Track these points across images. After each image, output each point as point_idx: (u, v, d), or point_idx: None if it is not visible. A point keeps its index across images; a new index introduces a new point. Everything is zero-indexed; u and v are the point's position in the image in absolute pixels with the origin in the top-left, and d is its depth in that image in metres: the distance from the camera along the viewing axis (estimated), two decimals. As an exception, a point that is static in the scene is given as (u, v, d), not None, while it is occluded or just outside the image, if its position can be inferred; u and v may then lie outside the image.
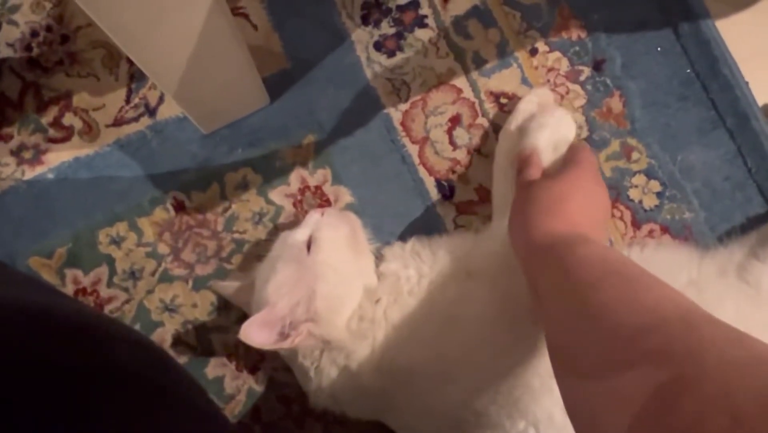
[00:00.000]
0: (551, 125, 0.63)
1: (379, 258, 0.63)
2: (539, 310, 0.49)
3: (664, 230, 0.69)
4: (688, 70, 0.71)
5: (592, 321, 0.39)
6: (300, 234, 0.60)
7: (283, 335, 0.55)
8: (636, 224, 0.69)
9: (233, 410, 0.68)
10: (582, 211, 0.52)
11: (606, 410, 0.35)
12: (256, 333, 0.53)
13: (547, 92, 0.68)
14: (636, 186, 0.69)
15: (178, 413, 0.43)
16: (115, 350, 0.44)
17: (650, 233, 0.69)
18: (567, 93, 0.71)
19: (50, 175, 0.71)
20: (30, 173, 0.71)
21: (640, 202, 0.69)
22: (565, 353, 0.42)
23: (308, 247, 0.59)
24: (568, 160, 0.59)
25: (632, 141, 0.70)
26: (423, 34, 0.72)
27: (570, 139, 0.64)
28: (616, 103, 0.70)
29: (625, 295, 0.39)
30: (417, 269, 0.60)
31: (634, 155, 0.70)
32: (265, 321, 0.54)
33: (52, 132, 0.72)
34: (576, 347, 0.40)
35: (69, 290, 0.69)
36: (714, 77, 0.70)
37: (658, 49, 0.71)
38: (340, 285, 0.58)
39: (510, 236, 0.56)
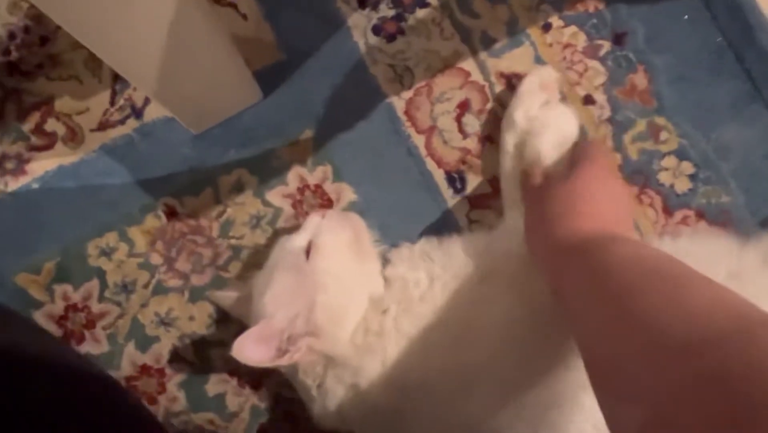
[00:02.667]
0: (552, 123, 0.59)
1: (385, 262, 0.58)
2: (568, 322, 0.44)
3: (700, 215, 0.64)
4: (719, 39, 0.65)
5: (633, 332, 0.35)
6: (298, 240, 0.56)
7: (281, 351, 0.50)
8: (668, 211, 0.64)
9: (237, 429, 0.64)
10: (606, 208, 0.48)
11: None
12: (250, 349, 0.49)
13: (550, 71, 0.63)
14: (666, 169, 0.64)
15: None
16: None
17: (684, 219, 0.64)
18: (585, 71, 0.65)
19: (35, 186, 0.67)
20: (13, 185, 0.67)
21: (672, 186, 0.64)
22: (603, 370, 0.37)
23: (308, 253, 0.55)
24: (577, 158, 0.55)
25: (660, 120, 0.65)
26: (425, 15, 0.67)
27: (574, 136, 0.59)
28: (640, 80, 0.65)
29: (669, 299, 0.34)
30: (427, 272, 0.55)
31: (663, 135, 0.64)
32: (261, 336, 0.50)
33: (34, 140, 0.68)
34: (615, 364, 0.36)
35: (59, 306, 0.66)
36: (749, 46, 0.65)
37: (685, 17, 0.65)
38: (342, 295, 0.53)
39: (528, 245, 0.52)
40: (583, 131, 0.62)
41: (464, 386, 0.51)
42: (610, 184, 0.52)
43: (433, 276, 0.54)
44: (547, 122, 0.59)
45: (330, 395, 0.53)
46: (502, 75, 0.66)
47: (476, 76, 0.66)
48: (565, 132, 0.59)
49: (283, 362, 0.50)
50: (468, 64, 0.66)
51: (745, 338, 0.29)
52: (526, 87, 0.62)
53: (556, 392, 0.49)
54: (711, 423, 0.27)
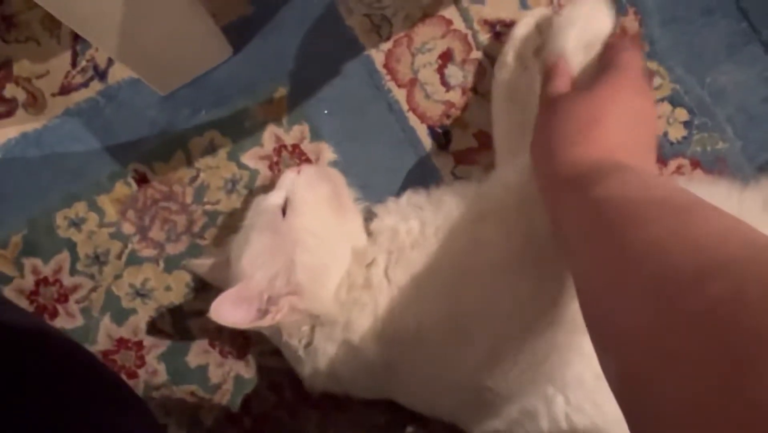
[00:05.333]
0: (581, 19, 0.54)
1: (369, 217, 0.58)
2: (566, 258, 0.44)
3: (695, 164, 0.64)
4: (713, -24, 0.65)
5: (636, 266, 0.33)
6: (274, 197, 0.56)
7: (262, 312, 0.51)
8: (662, 160, 0.64)
9: (220, 401, 0.65)
10: (618, 134, 0.45)
11: (660, 384, 0.29)
12: (229, 311, 0.50)
13: (547, 13, 0.62)
14: (660, 116, 0.64)
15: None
16: None
17: (679, 169, 0.64)
18: (573, 15, 0.65)
19: (-4, 156, 0.67)
20: (-26, 155, 0.67)
21: (666, 134, 0.64)
22: (601, 309, 0.36)
23: (284, 211, 0.55)
24: (606, 65, 0.51)
25: (652, 65, 0.65)
26: (402, -40, 0.66)
27: (605, 34, 0.54)
28: (631, 23, 0.65)
29: (677, 229, 0.33)
30: (419, 219, 0.55)
31: (656, 81, 0.65)
32: (240, 297, 0.51)
33: (-7, 107, 0.68)
34: (614, 300, 0.34)
35: (29, 281, 0.66)
36: (744, -18, 0.64)
37: (677, -47, 0.65)
38: (322, 251, 0.54)
39: (532, 165, 0.50)
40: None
41: (459, 335, 0.52)
42: (633, 105, 0.47)
43: (424, 222, 0.54)
44: (574, 16, 0.54)
45: (320, 354, 0.54)
46: (486, 22, 0.66)
47: (458, 24, 0.66)
48: (595, 30, 0.54)
49: (265, 323, 0.51)
50: (449, 12, 0.66)
51: (761, 264, 0.28)
52: (520, 30, 0.61)
53: (554, 338, 0.49)
54: (720, 357, 0.26)
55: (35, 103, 0.67)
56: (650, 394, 0.29)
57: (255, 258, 0.53)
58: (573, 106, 0.48)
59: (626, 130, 0.46)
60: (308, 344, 0.55)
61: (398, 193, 0.63)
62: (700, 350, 0.27)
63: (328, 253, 0.54)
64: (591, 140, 0.45)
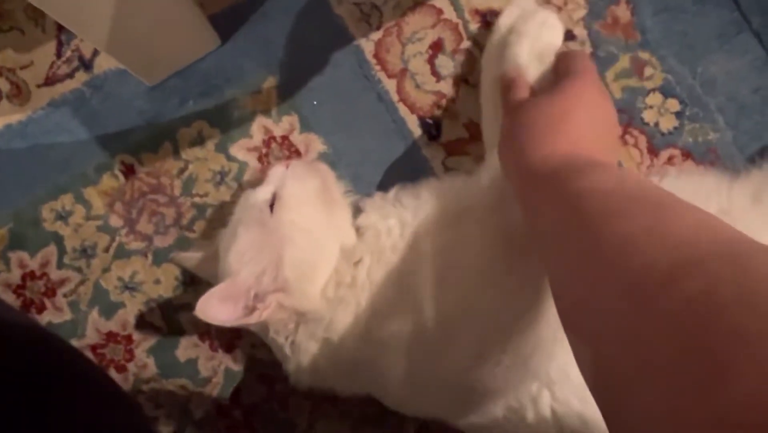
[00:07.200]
0: (531, 32, 0.56)
1: (357, 212, 0.58)
2: (539, 254, 0.43)
3: (686, 154, 0.64)
4: (706, -35, 0.64)
5: (610, 261, 0.33)
6: (261, 192, 0.55)
7: (249, 309, 0.50)
8: (653, 151, 0.63)
9: (211, 394, 0.65)
10: (587, 131, 0.46)
11: (636, 382, 0.28)
12: (215, 308, 0.49)
13: (531, 3, 0.61)
14: (651, 107, 0.64)
15: None
16: None
17: (670, 159, 0.64)
18: (564, 4, 0.64)
19: (-20, 148, 0.66)
20: (-43, 148, 0.66)
21: (657, 124, 0.64)
22: (576, 308, 0.36)
23: (273, 206, 0.54)
24: (562, 72, 0.52)
25: (644, 55, 0.64)
26: (391, -53, 0.65)
27: (557, 44, 0.56)
28: (622, 12, 0.64)
29: (651, 225, 0.32)
30: (399, 219, 0.55)
31: (647, 71, 0.64)
32: (226, 294, 0.50)
33: (-24, 98, 0.66)
34: (589, 299, 0.34)
35: (15, 275, 0.65)
36: (737, -29, 0.63)
37: (669, -59, 0.64)
38: (310, 248, 0.53)
39: (501, 167, 0.50)
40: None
41: (442, 335, 0.51)
42: (595, 104, 0.48)
43: (404, 223, 0.54)
44: (524, 30, 0.56)
45: (303, 351, 0.54)
46: (476, 12, 0.65)
47: (449, 13, 0.65)
48: (546, 40, 0.56)
49: (252, 320, 0.50)
50: (440, 1, 0.65)
51: (735, 261, 0.28)
52: (504, 20, 0.60)
53: (537, 333, 0.49)
54: (696, 356, 0.25)
55: (20, 94, 0.66)
56: (626, 391, 0.29)
57: (242, 254, 0.52)
58: (539, 106, 0.48)
59: (593, 126, 0.46)
60: (293, 341, 0.55)
61: (388, 185, 0.62)
62: (675, 348, 0.26)
63: (316, 249, 0.53)
64: (560, 135, 0.45)
